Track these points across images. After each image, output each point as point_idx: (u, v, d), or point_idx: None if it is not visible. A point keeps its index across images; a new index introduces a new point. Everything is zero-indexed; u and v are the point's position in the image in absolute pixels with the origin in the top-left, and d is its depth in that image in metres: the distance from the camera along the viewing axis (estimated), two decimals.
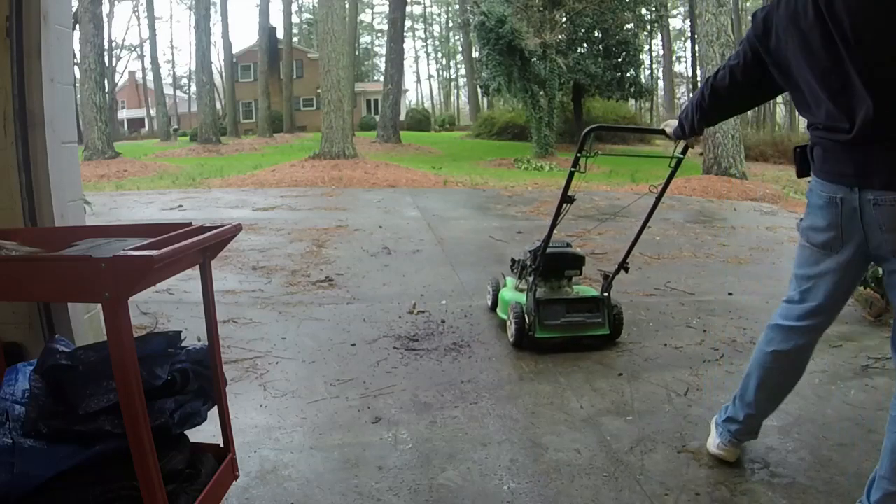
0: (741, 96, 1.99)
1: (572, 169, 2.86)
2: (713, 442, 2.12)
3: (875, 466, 1.72)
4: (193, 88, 34.68)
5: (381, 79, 28.09)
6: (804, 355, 1.94)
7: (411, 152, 20.36)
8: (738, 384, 2.07)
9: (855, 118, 1.63)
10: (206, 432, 1.70)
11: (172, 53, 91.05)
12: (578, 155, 2.81)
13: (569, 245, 3.52)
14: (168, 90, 43.17)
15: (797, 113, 1.83)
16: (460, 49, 48.62)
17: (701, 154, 14.30)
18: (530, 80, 18.13)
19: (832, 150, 1.72)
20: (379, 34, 53.00)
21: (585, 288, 3.48)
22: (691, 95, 2.11)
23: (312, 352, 3.16)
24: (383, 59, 28.40)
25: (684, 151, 2.59)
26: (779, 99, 31.96)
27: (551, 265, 3.28)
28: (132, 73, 48.67)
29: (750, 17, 1.90)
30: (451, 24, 55.07)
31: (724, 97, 2.00)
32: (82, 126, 17.31)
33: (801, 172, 1.86)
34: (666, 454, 2.18)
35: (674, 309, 3.92)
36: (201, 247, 1.49)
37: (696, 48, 20.12)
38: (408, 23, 38.57)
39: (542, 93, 18.45)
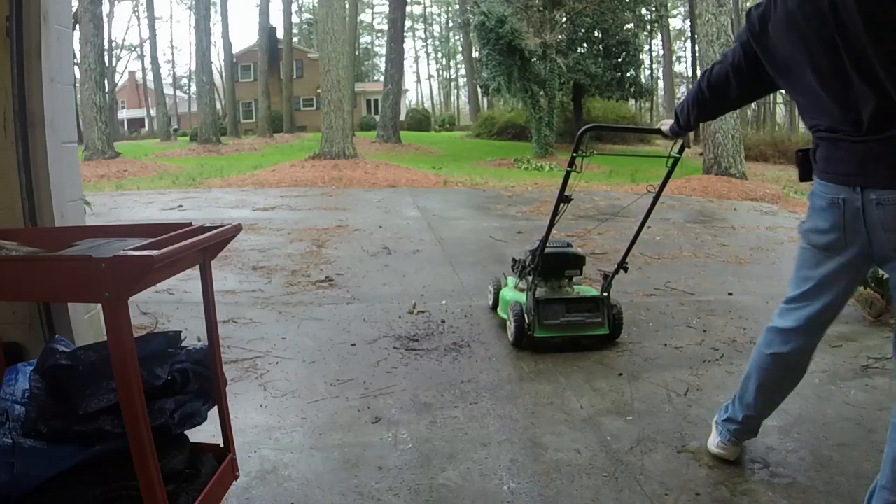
0: (738, 93, 1.98)
1: (568, 169, 2.87)
2: (713, 441, 2.13)
3: (874, 468, 1.71)
4: (193, 88, 34.70)
5: (381, 79, 28.07)
6: (804, 358, 1.93)
7: (411, 152, 20.35)
8: (738, 384, 2.07)
9: (858, 117, 1.63)
10: (206, 432, 1.70)
11: (172, 53, 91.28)
12: (574, 155, 2.81)
13: (569, 245, 3.52)
14: (168, 90, 43.15)
15: (797, 113, 1.82)
16: (460, 49, 48.64)
17: (701, 154, 14.30)
18: (530, 80, 18.14)
19: (834, 150, 1.71)
20: (379, 34, 53.00)
21: (585, 288, 3.48)
22: (687, 91, 2.12)
23: (312, 352, 3.16)
24: (383, 59, 28.39)
25: (681, 151, 2.60)
26: (779, 99, 32.14)
27: (551, 265, 3.28)
28: (132, 73, 48.73)
29: (745, 15, 1.89)
30: (451, 24, 55.11)
31: (720, 93, 2.00)
32: (82, 126, 17.30)
33: (804, 176, 1.85)
34: (666, 454, 2.18)
35: (674, 309, 3.92)
36: (201, 247, 1.49)
37: (696, 48, 20.07)
38: (408, 23, 38.62)
39: (542, 93, 18.47)
